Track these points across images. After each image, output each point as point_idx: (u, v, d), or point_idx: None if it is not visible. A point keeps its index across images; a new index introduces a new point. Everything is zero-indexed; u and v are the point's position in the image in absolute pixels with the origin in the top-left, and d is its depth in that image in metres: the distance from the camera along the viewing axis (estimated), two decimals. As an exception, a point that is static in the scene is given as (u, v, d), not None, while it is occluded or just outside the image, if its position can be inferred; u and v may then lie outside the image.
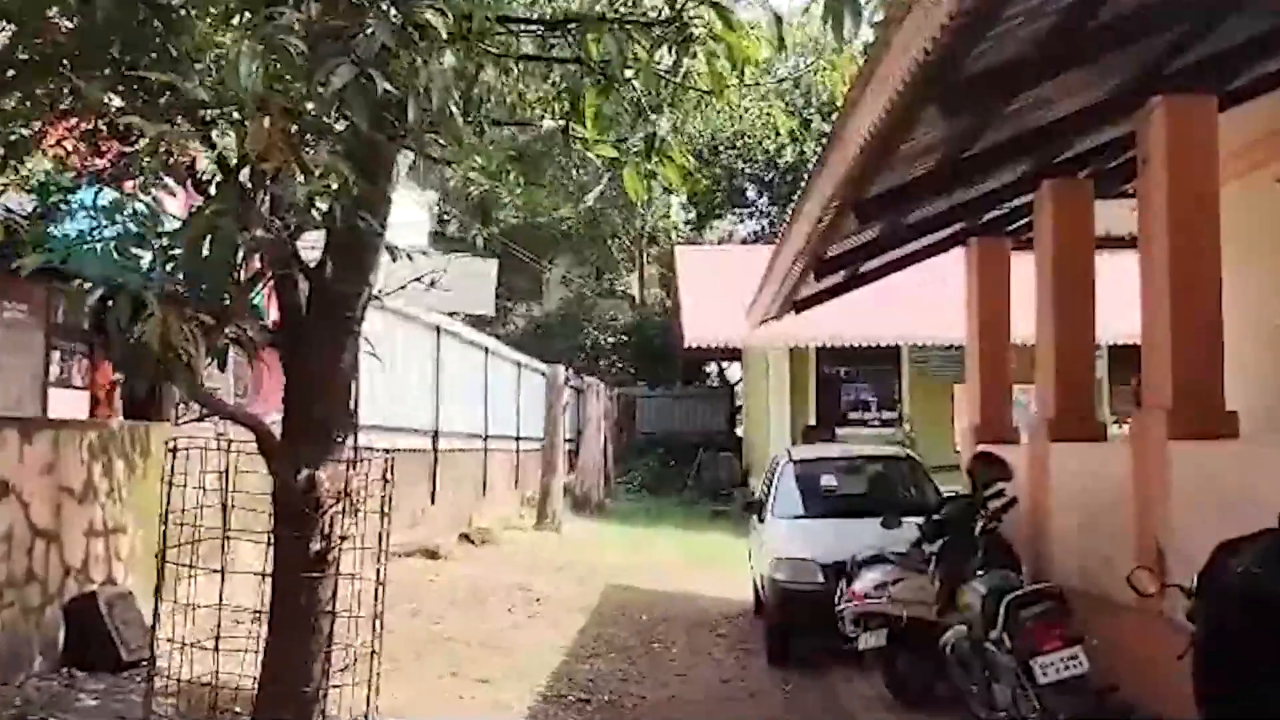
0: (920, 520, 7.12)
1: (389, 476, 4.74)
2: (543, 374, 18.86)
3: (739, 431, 26.31)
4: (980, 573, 6.04)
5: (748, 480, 21.57)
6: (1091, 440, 7.46)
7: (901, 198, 6.98)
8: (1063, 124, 6.75)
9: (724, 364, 29.14)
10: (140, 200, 3.60)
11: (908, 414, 19.86)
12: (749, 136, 28.65)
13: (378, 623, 4.76)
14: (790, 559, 8.40)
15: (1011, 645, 5.23)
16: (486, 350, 17.17)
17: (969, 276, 9.62)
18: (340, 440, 4.34)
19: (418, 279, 4.58)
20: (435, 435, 13.63)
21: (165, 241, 3.53)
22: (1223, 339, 6.07)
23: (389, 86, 3.04)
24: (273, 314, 4.85)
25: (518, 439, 18.90)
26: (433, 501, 13.42)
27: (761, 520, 9.61)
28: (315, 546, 4.21)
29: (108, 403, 8.66)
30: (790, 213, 7.61)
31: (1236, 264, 6.40)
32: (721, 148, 28.77)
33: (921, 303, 17.60)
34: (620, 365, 28.50)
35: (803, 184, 7.04)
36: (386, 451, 4.93)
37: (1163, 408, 5.97)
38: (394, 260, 4.64)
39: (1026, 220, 9.12)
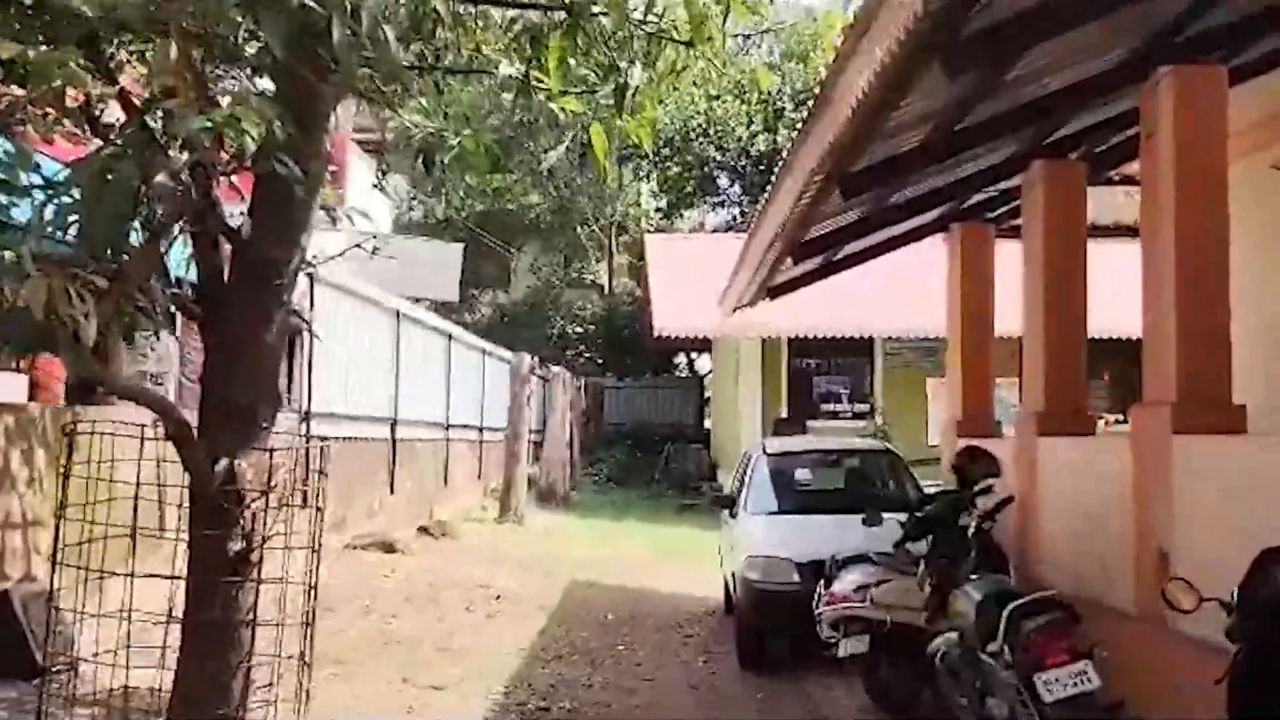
0: (903, 517, 6.72)
1: (323, 466, 4.22)
2: (508, 362, 18.34)
3: (708, 424, 25.96)
4: (973, 576, 5.61)
5: (716, 473, 21.23)
6: (1082, 435, 7.11)
7: (889, 172, 6.57)
8: (1063, 96, 6.38)
9: (694, 355, 28.79)
10: (8, 141, 3.06)
11: (880, 407, 19.57)
12: (721, 125, 28.19)
13: (309, 630, 4.25)
14: (764, 557, 7.96)
15: (1013, 658, 4.78)
16: (449, 337, 16.64)
17: (951, 264, 9.28)
18: (266, 425, 3.82)
19: (357, 245, 4.07)
20: (394, 424, 13.11)
21: (49, 192, 2.99)
22: (1230, 328, 5.72)
23: (310, 2, 2.54)
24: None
25: (481, 429, 18.39)
26: (391, 492, 12.93)
27: (734, 515, 9.16)
28: (235, 546, 3.69)
29: (49, 386, 8.09)
30: (767, 192, 7.16)
31: (1232, 251, 6.04)
32: (693, 135, 28.27)
33: (895, 295, 17.33)
34: (588, 355, 28.06)
35: (780, 163, 6.60)
36: (323, 439, 4.41)
37: (1166, 400, 5.63)
38: (334, 224, 4.13)
39: (1011, 206, 8.78)
